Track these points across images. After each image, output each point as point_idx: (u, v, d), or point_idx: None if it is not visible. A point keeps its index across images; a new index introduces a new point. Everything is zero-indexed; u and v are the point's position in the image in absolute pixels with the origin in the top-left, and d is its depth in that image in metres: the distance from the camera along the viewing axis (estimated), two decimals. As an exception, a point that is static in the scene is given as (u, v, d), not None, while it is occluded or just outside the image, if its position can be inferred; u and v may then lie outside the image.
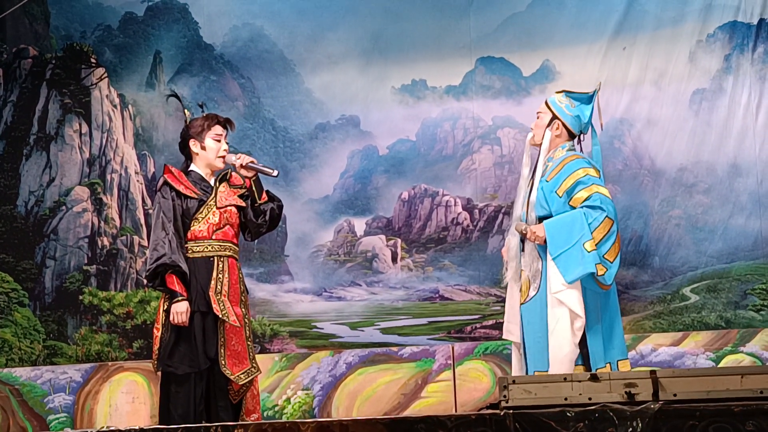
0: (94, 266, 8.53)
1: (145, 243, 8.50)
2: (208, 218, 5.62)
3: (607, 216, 5.43)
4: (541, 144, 5.70)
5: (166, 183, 5.66)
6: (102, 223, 8.58)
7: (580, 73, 8.02)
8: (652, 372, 4.15)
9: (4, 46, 8.90)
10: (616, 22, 8.04)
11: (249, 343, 5.62)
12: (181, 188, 5.64)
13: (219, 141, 5.71)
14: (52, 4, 8.88)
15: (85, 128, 8.73)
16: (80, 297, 8.48)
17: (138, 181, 8.63)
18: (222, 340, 5.51)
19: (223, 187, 5.72)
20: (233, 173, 5.78)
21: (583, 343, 5.44)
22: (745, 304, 7.65)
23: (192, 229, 5.61)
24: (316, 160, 8.46)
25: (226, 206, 5.67)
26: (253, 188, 5.68)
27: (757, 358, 7.33)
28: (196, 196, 5.64)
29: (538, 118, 5.78)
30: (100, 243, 8.55)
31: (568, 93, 5.79)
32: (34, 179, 8.71)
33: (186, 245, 5.61)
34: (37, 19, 8.92)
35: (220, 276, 5.57)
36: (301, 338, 8.22)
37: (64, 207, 8.61)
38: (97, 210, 8.60)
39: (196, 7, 8.74)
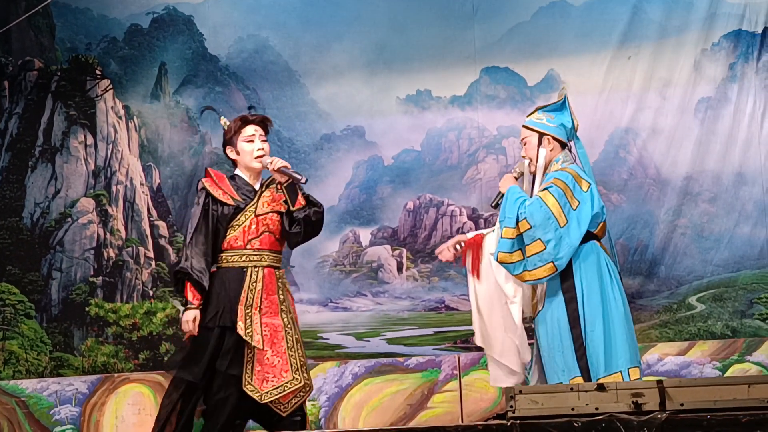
0: (100, 278, 8.54)
1: (151, 254, 8.53)
2: (245, 226, 5.49)
3: (525, 219, 5.49)
4: (536, 166, 5.74)
5: (203, 188, 5.55)
6: (108, 234, 8.59)
7: (584, 83, 8.03)
8: (659, 382, 4.15)
9: (10, 59, 8.92)
10: (620, 32, 8.05)
11: (291, 353, 5.41)
12: (218, 193, 5.52)
13: (251, 142, 5.56)
14: (58, 17, 8.90)
15: (90, 140, 8.74)
16: (86, 308, 8.48)
17: (143, 192, 8.64)
18: (249, 356, 5.35)
19: (268, 193, 5.57)
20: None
21: (581, 354, 5.44)
22: (752, 313, 7.64)
23: (228, 237, 5.50)
24: (321, 170, 8.46)
25: (266, 213, 5.52)
26: (285, 194, 5.51)
27: (763, 367, 7.31)
28: (233, 203, 5.51)
29: (525, 144, 5.79)
30: (105, 254, 8.56)
31: (541, 108, 5.83)
32: (39, 191, 8.73)
33: (221, 254, 5.50)
34: (43, 31, 8.94)
35: (252, 287, 5.43)
36: (307, 349, 8.12)
37: (69, 219, 8.63)
38: (102, 221, 8.61)
39: (201, 18, 8.76)
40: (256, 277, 5.46)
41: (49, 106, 8.82)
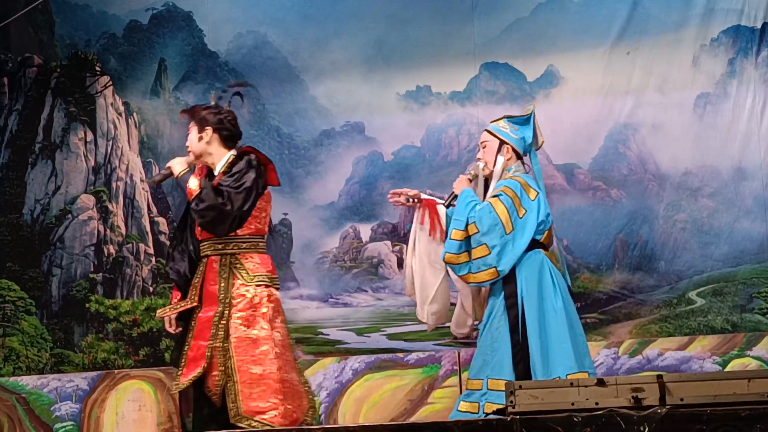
0: (101, 274, 8.54)
1: (151, 251, 8.53)
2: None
3: (474, 223, 5.64)
4: (492, 170, 5.88)
5: None
6: (108, 231, 8.59)
7: (584, 79, 8.03)
8: (659, 377, 4.15)
9: (9, 55, 8.92)
10: (619, 27, 8.04)
11: (212, 341, 5.24)
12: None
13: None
14: (57, 13, 8.90)
15: (90, 136, 8.74)
16: (87, 305, 8.49)
17: (143, 188, 8.64)
18: (186, 347, 5.31)
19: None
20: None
21: (518, 360, 5.54)
22: (752, 308, 7.64)
23: None
24: (321, 166, 8.46)
25: None
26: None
27: (763, 362, 7.31)
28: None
29: (484, 147, 5.94)
30: (106, 251, 8.56)
31: (508, 118, 6.02)
32: (39, 188, 8.73)
33: None
34: (42, 27, 8.94)
35: (198, 279, 5.42)
36: (308, 345, 8.22)
37: (69, 215, 8.63)
38: (102, 218, 8.62)
39: (200, 14, 8.76)
40: (203, 268, 5.43)
41: (49, 102, 8.82)
